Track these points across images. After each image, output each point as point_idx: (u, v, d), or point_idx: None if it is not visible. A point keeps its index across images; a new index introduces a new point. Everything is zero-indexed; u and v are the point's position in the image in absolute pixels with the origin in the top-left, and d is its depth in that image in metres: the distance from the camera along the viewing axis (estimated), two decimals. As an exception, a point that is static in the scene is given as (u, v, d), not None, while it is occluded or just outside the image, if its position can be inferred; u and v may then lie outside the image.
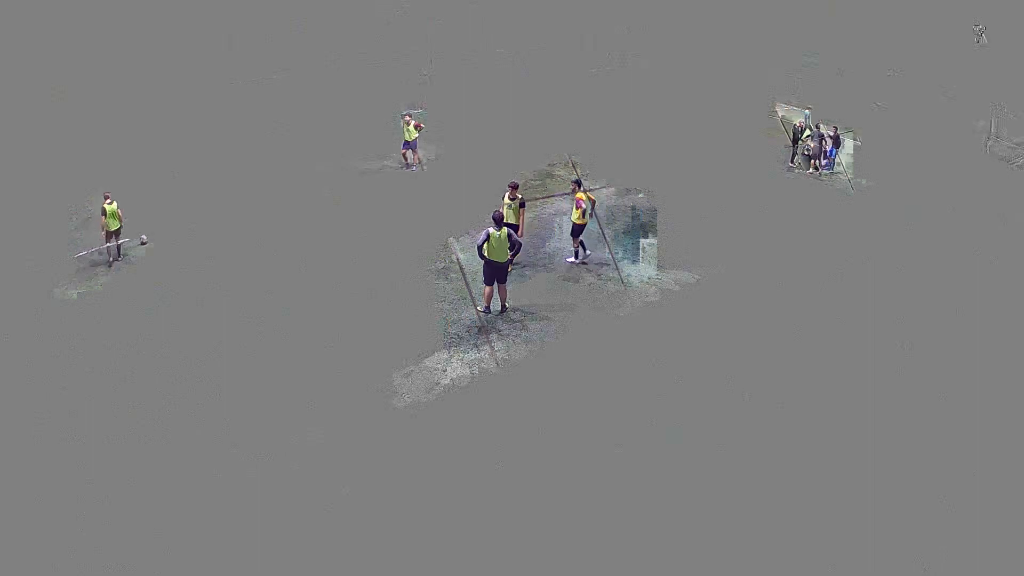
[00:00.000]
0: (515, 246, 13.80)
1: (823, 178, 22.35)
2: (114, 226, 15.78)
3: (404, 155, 21.92)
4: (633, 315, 14.05)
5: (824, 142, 22.55)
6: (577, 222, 15.57)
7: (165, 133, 22.50)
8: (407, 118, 21.75)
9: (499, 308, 13.98)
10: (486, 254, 13.40)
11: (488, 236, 13.33)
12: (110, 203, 15.69)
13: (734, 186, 21.10)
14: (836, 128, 22.77)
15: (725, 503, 9.36)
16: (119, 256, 16.18)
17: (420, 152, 21.86)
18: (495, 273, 13.63)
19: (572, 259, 16.09)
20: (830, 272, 15.64)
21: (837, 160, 22.60)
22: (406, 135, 21.63)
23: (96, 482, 9.92)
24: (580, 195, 15.54)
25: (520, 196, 15.11)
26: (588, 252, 16.17)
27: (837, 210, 19.35)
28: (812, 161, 23.74)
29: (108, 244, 15.94)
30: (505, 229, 13.41)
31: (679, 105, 26.20)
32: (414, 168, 21.92)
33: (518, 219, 14.99)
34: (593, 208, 15.99)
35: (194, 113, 23.83)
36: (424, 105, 24.45)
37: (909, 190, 20.61)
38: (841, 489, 9.55)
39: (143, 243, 16.66)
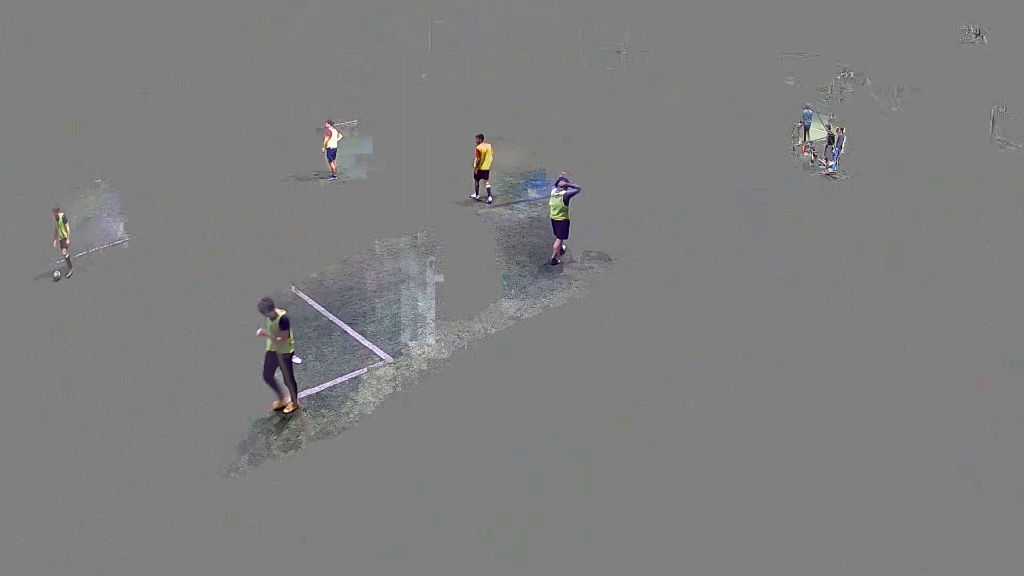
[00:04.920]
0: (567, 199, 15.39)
1: (824, 171, 22.37)
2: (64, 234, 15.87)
3: (332, 165, 22.31)
4: (629, 308, 13.94)
5: (833, 140, 22.65)
6: (481, 168, 19.38)
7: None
8: (328, 127, 22.06)
9: (553, 259, 15.86)
10: (551, 215, 15.68)
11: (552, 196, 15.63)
12: (60, 215, 15.79)
13: (733, 185, 21.12)
14: (842, 127, 22.82)
15: (712, 500, 9.24)
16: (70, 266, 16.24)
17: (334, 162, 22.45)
18: (555, 228, 15.71)
19: (489, 198, 19.74)
20: (827, 271, 15.56)
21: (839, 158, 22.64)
22: (330, 143, 22.02)
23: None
24: (480, 147, 19.11)
25: (280, 312, 10.51)
26: (491, 198, 19.83)
27: (835, 209, 19.29)
28: (812, 158, 23.77)
29: (66, 255, 15.97)
30: (563, 194, 15.29)
31: (676, 103, 26.24)
32: (333, 177, 22.33)
33: (280, 343, 10.58)
34: (480, 159, 19.22)
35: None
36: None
37: (902, 188, 20.58)
38: (839, 491, 9.44)
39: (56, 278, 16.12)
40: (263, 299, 10.57)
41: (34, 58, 25.66)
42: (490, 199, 19.81)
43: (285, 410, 10.97)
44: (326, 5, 30.25)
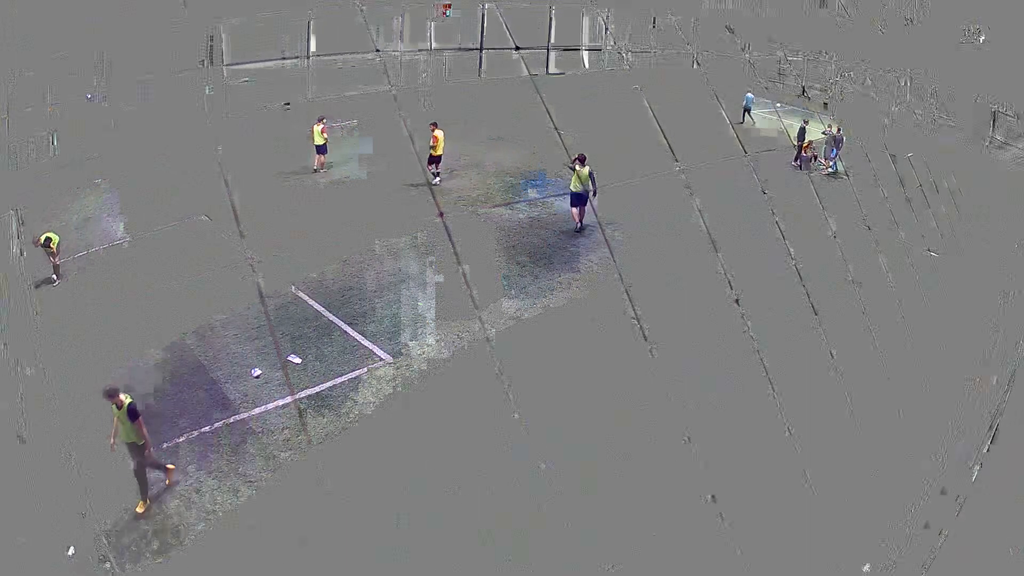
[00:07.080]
0: (593, 181, 16.92)
1: (824, 170, 22.39)
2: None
3: (321, 160, 22.37)
4: (629, 309, 13.91)
5: (831, 142, 22.74)
6: (432, 154, 20.67)
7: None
8: (324, 125, 22.08)
9: (577, 226, 17.49)
10: (571, 187, 17.38)
11: (575, 171, 17.10)
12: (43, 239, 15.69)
13: (732, 184, 21.05)
14: (840, 128, 22.86)
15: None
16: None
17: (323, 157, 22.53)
18: (576, 200, 17.42)
19: (436, 181, 20.91)
20: (827, 271, 15.53)
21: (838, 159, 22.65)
22: (316, 140, 22.09)
23: None
24: (435, 133, 20.45)
25: (126, 400, 9.31)
26: (440, 178, 21.07)
27: (835, 209, 19.26)
28: (812, 160, 23.76)
29: (55, 261, 15.88)
30: (587, 168, 16.90)
31: (674, 104, 26.18)
32: (319, 171, 22.40)
33: (137, 434, 9.30)
34: (435, 144, 20.46)
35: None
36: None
37: (901, 188, 20.56)
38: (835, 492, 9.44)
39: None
40: (107, 386, 9.24)
41: (33, 58, 25.67)
42: (437, 180, 21.19)
43: (168, 482, 9.60)
44: (326, 5, 30.31)
